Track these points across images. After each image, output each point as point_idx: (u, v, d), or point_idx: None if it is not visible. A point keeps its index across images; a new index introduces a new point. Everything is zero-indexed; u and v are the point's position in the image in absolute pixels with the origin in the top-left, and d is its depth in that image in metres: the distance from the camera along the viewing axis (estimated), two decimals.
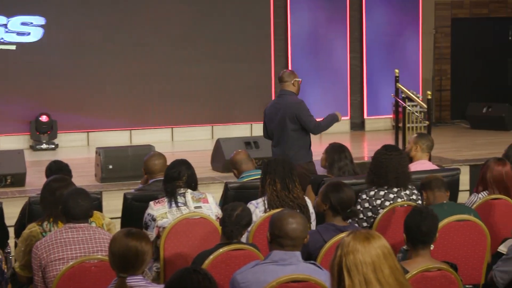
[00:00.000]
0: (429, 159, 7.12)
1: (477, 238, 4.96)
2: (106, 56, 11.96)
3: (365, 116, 13.43)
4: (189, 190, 5.29)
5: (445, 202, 5.20)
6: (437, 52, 14.06)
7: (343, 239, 2.91)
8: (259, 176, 5.52)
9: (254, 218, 5.08)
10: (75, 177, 6.10)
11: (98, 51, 11.90)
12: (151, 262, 5.10)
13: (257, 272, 3.77)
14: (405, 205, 5.38)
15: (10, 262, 5.34)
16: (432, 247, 4.29)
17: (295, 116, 7.10)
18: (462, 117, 13.76)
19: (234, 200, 5.62)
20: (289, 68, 12.70)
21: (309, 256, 4.42)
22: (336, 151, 6.41)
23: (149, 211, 5.22)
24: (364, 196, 5.51)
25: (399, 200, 5.47)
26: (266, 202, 5.28)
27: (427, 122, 9.47)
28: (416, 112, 9.76)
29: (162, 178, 5.51)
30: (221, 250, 4.36)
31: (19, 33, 11.61)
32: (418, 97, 9.87)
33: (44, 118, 11.51)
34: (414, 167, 6.42)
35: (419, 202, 5.50)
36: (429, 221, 4.20)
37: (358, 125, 13.39)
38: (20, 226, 5.62)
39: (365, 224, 5.45)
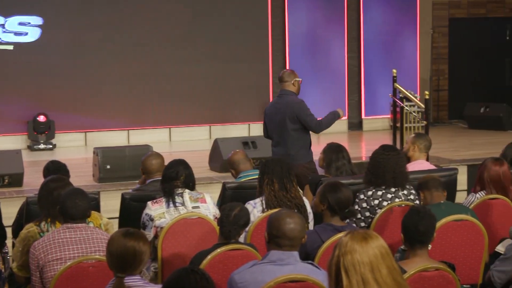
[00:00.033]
0: (427, 159, 7.12)
1: (475, 238, 4.96)
2: (104, 56, 11.96)
3: (363, 116, 13.44)
4: (187, 190, 5.29)
5: (442, 202, 5.20)
6: (434, 52, 14.07)
7: (341, 239, 2.91)
8: (257, 176, 5.52)
9: (252, 218, 5.08)
10: (73, 177, 6.10)
11: (96, 51, 11.90)
12: (149, 262, 5.10)
13: (255, 272, 3.77)
14: (403, 205, 5.39)
15: (8, 262, 5.33)
16: (429, 247, 4.30)
17: (296, 116, 7.10)
18: (460, 117, 13.77)
19: (232, 200, 5.62)
20: (287, 68, 12.70)
21: (307, 256, 4.42)
22: (334, 151, 6.41)
23: (147, 211, 5.22)
24: (362, 196, 5.51)
25: (396, 200, 5.47)
26: (264, 202, 5.28)
27: (424, 122, 9.48)
28: (414, 112, 9.77)
29: (160, 178, 5.52)
30: (219, 250, 4.36)
31: (16, 33, 11.61)
32: (415, 97, 9.88)
33: (41, 118, 11.50)
34: (411, 167, 6.42)
35: (417, 202, 5.50)
36: (426, 221, 4.20)
37: (355, 125, 13.40)
38: (17, 226, 5.62)
39: (363, 224, 5.45)
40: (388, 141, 9.76)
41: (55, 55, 11.75)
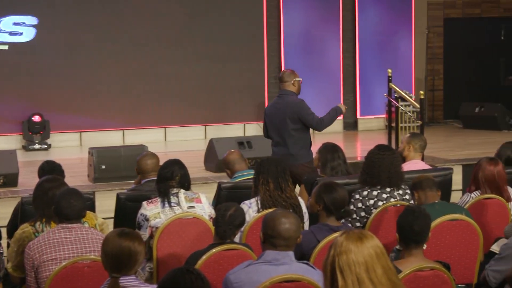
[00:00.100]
0: (422, 159, 7.13)
1: (470, 237, 4.97)
2: (99, 56, 11.94)
3: (358, 116, 13.44)
4: (182, 190, 5.29)
5: (436, 201, 5.21)
6: (429, 52, 14.09)
7: (336, 239, 2.91)
8: (252, 176, 5.52)
9: (247, 218, 5.08)
10: (68, 177, 6.09)
11: (91, 51, 11.88)
12: (144, 262, 5.10)
13: (250, 272, 3.77)
14: (398, 205, 5.39)
15: (3, 262, 5.32)
16: (424, 246, 4.30)
17: (297, 116, 7.14)
18: (455, 117, 13.79)
19: (227, 200, 5.62)
20: (282, 68, 12.72)
21: (303, 256, 4.42)
22: (329, 151, 6.42)
23: (142, 211, 5.22)
24: (357, 196, 5.51)
25: (392, 200, 5.47)
26: (259, 202, 5.28)
27: (419, 122, 9.49)
28: (409, 112, 9.78)
29: (155, 178, 5.52)
30: (214, 250, 4.36)
31: (11, 33, 11.59)
32: (411, 97, 9.89)
33: (36, 118, 11.48)
34: (407, 167, 6.42)
35: (412, 202, 5.51)
36: (421, 221, 4.21)
37: (351, 124, 13.40)
38: (12, 227, 5.61)
39: (358, 224, 5.46)
40: (383, 141, 9.77)
41: (50, 55, 11.73)
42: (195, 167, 8.89)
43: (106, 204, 6.97)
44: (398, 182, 5.57)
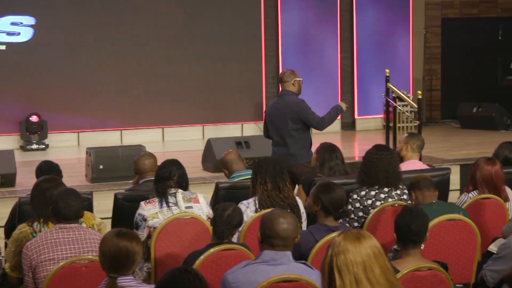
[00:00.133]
0: (420, 159, 7.13)
1: (468, 237, 4.97)
2: (97, 56, 11.94)
3: (356, 116, 13.45)
4: (180, 190, 5.29)
5: (434, 201, 5.21)
6: (427, 52, 14.10)
7: (334, 239, 2.91)
8: (250, 176, 5.52)
9: (245, 218, 5.08)
10: (66, 177, 6.09)
11: (89, 51, 11.88)
12: (142, 262, 5.10)
13: (248, 272, 3.77)
14: (396, 205, 5.39)
15: (0, 263, 5.32)
16: (422, 246, 4.30)
17: (297, 116, 7.17)
18: (453, 116, 13.80)
19: (225, 200, 5.62)
20: (280, 68, 12.73)
21: (301, 256, 4.42)
22: (327, 151, 6.41)
23: (140, 211, 5.21)
24: (355, 196, 5.51)
25: (390, 200, 5.47)
26: (257, 202, 5.27)
27: (417, 121, 9.49)
28: (407, 111, 9.78)
29: (153, 178, 5.51)
30: (212, 250, 4.36)
31: (9, 33, 11.58)
32: (408, 97, 9.90)
33: (34, 118, 11.48)
34: (404, 166, 6.43)
35: (410, 202, 5.51)
36: (419, 221, 4.21)
37: (348, 124, 13.41)
38: (10, 227, 5.61)
39: (356, 224, 5.45)
40: (381, 141, 9.77)
41: (47, 55, 11.73)
42: (193, 167, 8.89)
43: (104, 204, 6.97)
44: (396, 182, 5.57)
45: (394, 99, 9.77)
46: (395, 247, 4.65)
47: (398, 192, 5.57)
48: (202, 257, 4.32)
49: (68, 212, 4.49)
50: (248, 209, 5.27)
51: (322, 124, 7.25)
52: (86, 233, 4.50)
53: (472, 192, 5.75)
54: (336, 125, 12.94)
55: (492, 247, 5.31)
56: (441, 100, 14.37)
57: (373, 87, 13.05)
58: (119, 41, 12.01)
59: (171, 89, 12.32)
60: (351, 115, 13.43)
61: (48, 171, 5.81)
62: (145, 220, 5.16)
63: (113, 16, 12.00)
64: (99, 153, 8.84)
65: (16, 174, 8.50)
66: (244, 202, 5.33)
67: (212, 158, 9.19)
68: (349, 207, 5.42)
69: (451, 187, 6.95)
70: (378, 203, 5.44)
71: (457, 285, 4.93)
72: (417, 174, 5.69)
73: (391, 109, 9.86)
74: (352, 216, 5.43)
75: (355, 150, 11.57)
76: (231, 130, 12.33)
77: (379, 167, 5.53)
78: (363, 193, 5.51)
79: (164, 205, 5.20)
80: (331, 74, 13.17)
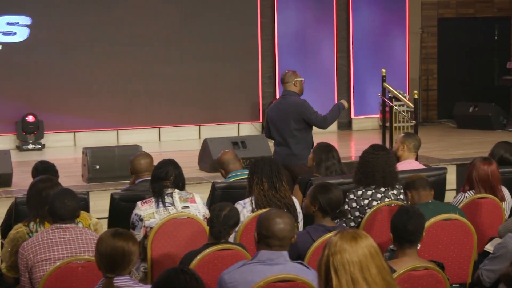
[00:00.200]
0: (416, 159, 7.14)
1: (464, 237, 4.98)
2: (93, 56, 11.93)
3: (352, 116, 13.45)
4: (176, 190, 5.29)
5: (430, 201, 5.21)
6: (423, 52, 14.11)
7: (331, 239, 2.91)
8: (246, 176, 5.52)
9: (242, 218, 5.08)
10: (62, 177, 6.08)
11: (85, 51, 11.87)
12: (139, 262, 5.10)
13: (244, 272, 3.77)
14: (392, 205, 5.39)
15: None
16: (419, 246, 4.31)
17: (300, 116, 7.23)
18: (449, 116, 13.81)
19: (222, 200, 5.62)
20: (277, 68, 12.74)
21: (299, 257, 4.42)
22: (323, 151, 6.41)
23: (136, 211, 5.21)
24: (351, 196, 5.51)
25: (386, 199, 5.48)
26: (253, 202, 5.27)
27: (414, 121, 9.50)
28: (403, 111, 9.78)
29: (149, 178, 5.51)
30: (208, 250, 4.36)
31: (5, 33, 11.57)
32: (405, 97, 9.91)
33: (30, 118, 11.46)
34: (401, 166, 6.43)
35: (406, 201, 5.51)
36: (415, 220, 4.21)
37: (345, 124, 13.41)
38: (6, 227, 5.60)
39: (352, 224, 5.46)
40: (377, 140, 9.78)
41: (43, 55, 11.71)
42: (189, 167, 8.89)
43: (100, 204, 6.96)
44: (392, 182, 5.58)
45: (390, 99, 9.78)
46: (391, 247, 4.65)
47: (395, 192, 5.57)
48: (198, 257, 4.32)
49: (65, 212, 4.48)
50: (245, 209, 5.27)
51: (325, 122, 7.33)
52: (83, 233, 4.50)
53: (468, 192, 5.75)
54: (333, 125, 12.85)
55: (489, 247, 5.32)
56: (438, 100, 14.38)
57: (370, 87, 13.05)
58: (115, 41, 11.99)
59: (168, 89, 12.32)
60: (348, 115, 13.43)
61: (44, 171, 5.81)
62: (141, 220, 5.16)
63: (109, 16, 11.98)
64: (96, 153, 8.83)
65: (13, 174, 8.49)
66: (241, 202, 5.33)
67: (208, 158, 9.18)
68: (346, 206, 5.42)
69: (447, 187, 6.95)
70: (374, 203, 5.44)
71: (453, 284, 4.93)
72: (413, 173, 5.68)
73: (387, 109, 9.87)
74: (349, 216, 5.43)
75: (352, 150, 11.57)
76: (228, 130, 12.33)
77: (376, 167, 5.54)
78: (359, 193, 5.51)
79: (161, 205, 5.20)
80: (327, 74, 13.17)
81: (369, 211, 5.37)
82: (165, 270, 3.18)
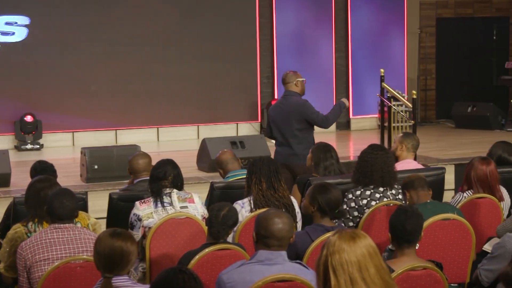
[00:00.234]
0: (415, 159, 7.14)
1: (462, 237, 4.98)
2: (91, 56, 11.92)
3: (351, 116, 13.45)
4: (175, 190, 5.29)
5: (428, 201, 5.21)
6: (422, 52, 14.11)
7: (329, 239, 2.91)
8: (245, 176, 5.52)
9: (240, 218, 5.08)
10: (60, 177, 6.08)
11: (83, 51, 11.86)
12: (137, 262, 5.09)
13: (243, 272, 3.77)
14: (391, 205, 5.39)
15: None
16: (417, 246, 4.31)
17: (301, 116, 7.26)
18: (447, 116, 13.81)
19: (220, 200, 5.62)
20: (275, 68, 12.74)
21: (298, 257, 4.42)
22: (322, 151, 6.42)
23: (135, 211, 5.21)
24: (350, 196, 5.51)
25: (385, 199, 5.48)
26: (252, 201, 5.27)
27: (412, 121, 9.50)
28: (402, 111, 9.78)
29: (148, 178, 5.51)
30: (207, 250, 4.36)
31: (3, 33, 11.56)
32: (403, 97, 9.90)
33: (29, 118, 11.46)
34: (399, 166, 6.43)
35: (404, 201, 5.51)
36: (413, 220, 4.21)
37: (343, 124, 13.41)
38: (4, 227, 5.59)
39: (351, 223, 5.46)
40: (376, 140, 9.78)
41: (42, 55, 11.71)
42: (188, 167, 8.89)
43: (98, 204, 6.96)
44: (391, 182, 5.58)
45: (389, 98, 9.77)
46: (390, 246, 4.65)
47: (393, 191, 5.57)
48: (197, 257, 4.32)
49: (63, 212, 4.48)
50: (243, 209, 5.27)
51: (327, 122, 7.38)
52: (81, 233, 4.50)
53: (466, 192, 5.76)
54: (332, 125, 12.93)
55: (487, 247, 5.32)
56: (436, 99, 14.39)
57: (368, 86, 13.05)
58: (114, 41, 11.99)
59: (166, 89, 12.31)
60: (346, 115, 13.43)
61: (43, 171, 5.80)
62: (140, 220, 5.15)
63: (107, 16, 11.98)
64: (94, 153, 8.82)
65: (11, 174, 8.49)
66: (239, 202, 5.33)
67: (207, 158, 9.18)
68: (344, 206, 5.42)
69: (445, 187, 6.96)
70: (373, 202, 5.44)
71: (451, 284, 4.93)
72: (411, 173, 5.68)
73: (386, 108, 9.86)
74: (347, 215, 5.43)
75: (350, 149, 11.57)
76: (226, 130, 12.33)
77: (374, 166, 5.54)
78: (358, 192, 5.51)
79: (159, 205, 5.20)
80: (325, 74, 13.17)
81: (367, 211, 5.37)
82: (164, 270, 3.18)
